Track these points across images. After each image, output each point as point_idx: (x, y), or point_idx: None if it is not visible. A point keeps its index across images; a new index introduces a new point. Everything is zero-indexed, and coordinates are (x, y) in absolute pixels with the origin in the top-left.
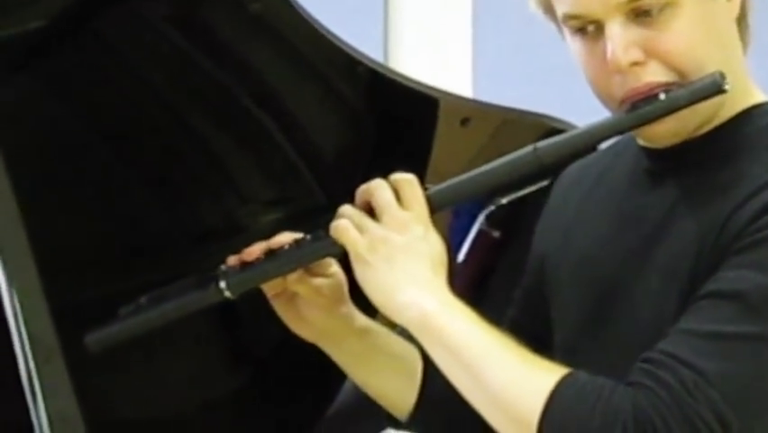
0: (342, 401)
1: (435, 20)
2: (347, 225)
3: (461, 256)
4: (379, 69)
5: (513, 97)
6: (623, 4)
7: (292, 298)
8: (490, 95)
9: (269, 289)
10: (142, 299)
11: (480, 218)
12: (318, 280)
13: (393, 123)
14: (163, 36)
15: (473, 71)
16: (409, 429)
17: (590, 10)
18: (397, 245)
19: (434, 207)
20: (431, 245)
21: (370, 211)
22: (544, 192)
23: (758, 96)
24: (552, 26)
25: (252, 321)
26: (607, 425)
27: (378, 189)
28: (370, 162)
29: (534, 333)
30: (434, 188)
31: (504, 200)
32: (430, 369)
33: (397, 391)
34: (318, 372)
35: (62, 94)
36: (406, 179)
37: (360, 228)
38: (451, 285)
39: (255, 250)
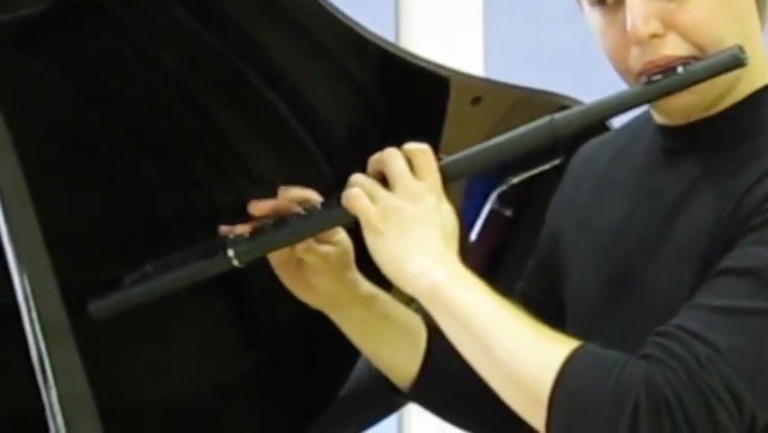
0: (353, 384)
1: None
2: (359, 193)
3: (473, 235)
4: (390, 49)
5: (524, 77)
6: None
7: (298, 265)
8: (501, 74)
9: (275, 256)
10: (148, 267)
11: (493, 197)
12: (325, 248)
13: (404, 102)
14: (173, 16)
15: (484, 51)
16: (412, 400)
17: None
18: (409, 215)
19: (448, 177)
20: (443, 216)
21: (383, 181)
22: (557, 171)
23: None
24: (561, 6)
25: (264, 303)
26: (619, 397)
27: (391, 158)
28: (380, 143)
29: (543, 307)
30: (447, 159)
31: (515, 179)
32: (434, 339)
33: (401, 360)
34: (330, 355)
35: (71, 75)
36: (421, 149)
37: (371, 197)
38: (464, 263)
39: (264, 206)
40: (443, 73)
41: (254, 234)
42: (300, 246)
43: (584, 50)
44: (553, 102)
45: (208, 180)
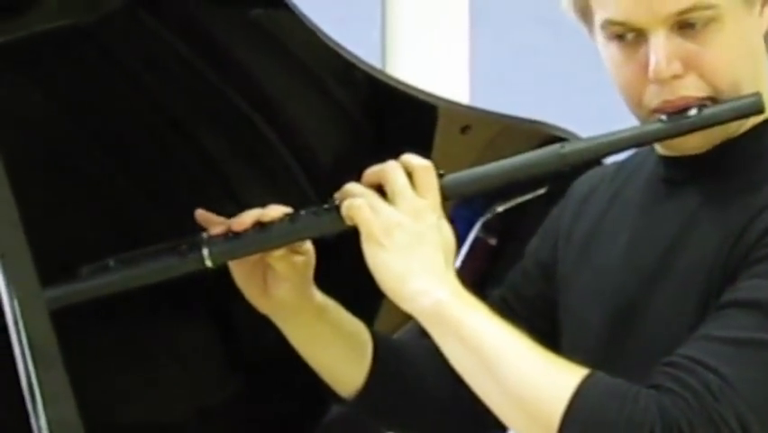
0: (337, 407)
1: (433, 26)
2: (363, 204)
3: (457, 263)
4: (379, 76)
5: (510, 104)
6: (670, 16)
7: (262, 271)
8: (486, 101)
9: (243, 258)
10: (110, 261)
11: (477, 226)
12: (295, 257)
13: (392, 130)
14: (161, 40)
15: (470, 78)
16: (355, 408)
17: (636, 18)
18: (412, 232)
19: (447, 195)
20: (443, 235)
21: (380, 192)
22: (544, 200)
23: None
24: (549, 33)
25: (248, 326)
26: (634, 426)
27: (393, 173)
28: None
29: (522, 319)
30: (448, 177)
31: (501, 208)
32: (380, 348)
33: (347, 369)
34: (314, 377)
35: (60, 98)
36: (423, 166)
37: (373, 209)
38: None
39: (245, 220)
40: (431, 101)
41: (231, 235)
42: (277, 253)
43: (569, 78)
44: (540, 131)
45: (194, 206)
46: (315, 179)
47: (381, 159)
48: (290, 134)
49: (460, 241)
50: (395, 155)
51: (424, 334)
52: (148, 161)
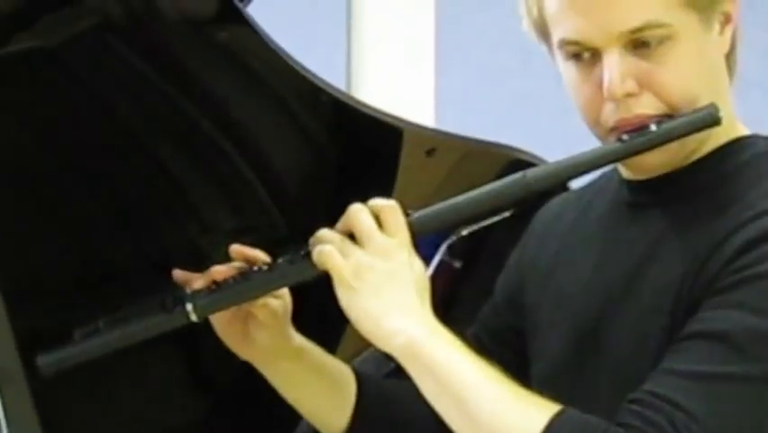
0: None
1: (398, 49)
2: (332, 250)
3: None
4: (345, 99)
5: (475, 128)
6: (623, 35)
7: (242, 318)
8: (452, 125)
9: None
10: (100, 322)
11: (442, 249)
12: (275, 302)
13: (358, 153)
14: (127, 63)
15: (436, 101)
16: None
17: (590, 38)
18: (382, 272)
19: (416, 232)
20: (415, 272)
21: (350, 237)
22: (509, 223)
23: (741, 130)
24: (514, 56)
25: (213, 350)
26: None
27: (358, 215)
28: (334, 192)
29: (495, 355)
30: (416, 215)
31: (465, 231)
32: (364, 390)
33: (330, 412)
34: (279, 402)
35: (25, 121)
36: (389, 206)
37: (343, 254)
38: None
39: (223, 270)
40: (397, 124)
41: (213, 287)
42: (259, 301)
43: (535, 101)
44: (506, 154)
45: (160, 227)
46: (281, 202)
47: (347, 182)
48: (256, 157)
49: (425, 264)
50: (361, 178)
51: (386, 359)
52: (113, 182)
